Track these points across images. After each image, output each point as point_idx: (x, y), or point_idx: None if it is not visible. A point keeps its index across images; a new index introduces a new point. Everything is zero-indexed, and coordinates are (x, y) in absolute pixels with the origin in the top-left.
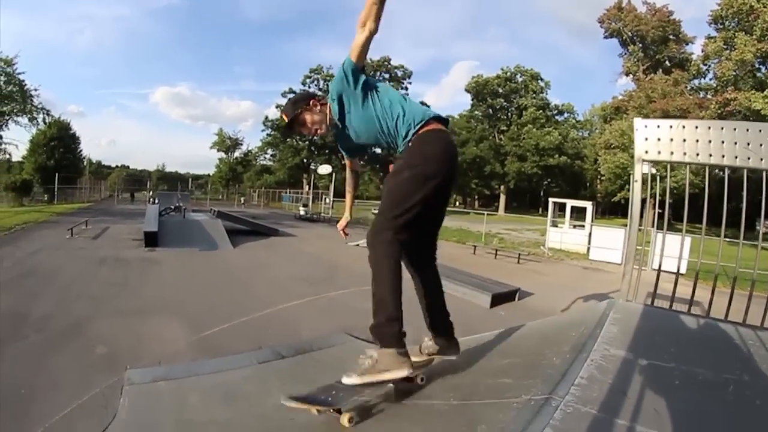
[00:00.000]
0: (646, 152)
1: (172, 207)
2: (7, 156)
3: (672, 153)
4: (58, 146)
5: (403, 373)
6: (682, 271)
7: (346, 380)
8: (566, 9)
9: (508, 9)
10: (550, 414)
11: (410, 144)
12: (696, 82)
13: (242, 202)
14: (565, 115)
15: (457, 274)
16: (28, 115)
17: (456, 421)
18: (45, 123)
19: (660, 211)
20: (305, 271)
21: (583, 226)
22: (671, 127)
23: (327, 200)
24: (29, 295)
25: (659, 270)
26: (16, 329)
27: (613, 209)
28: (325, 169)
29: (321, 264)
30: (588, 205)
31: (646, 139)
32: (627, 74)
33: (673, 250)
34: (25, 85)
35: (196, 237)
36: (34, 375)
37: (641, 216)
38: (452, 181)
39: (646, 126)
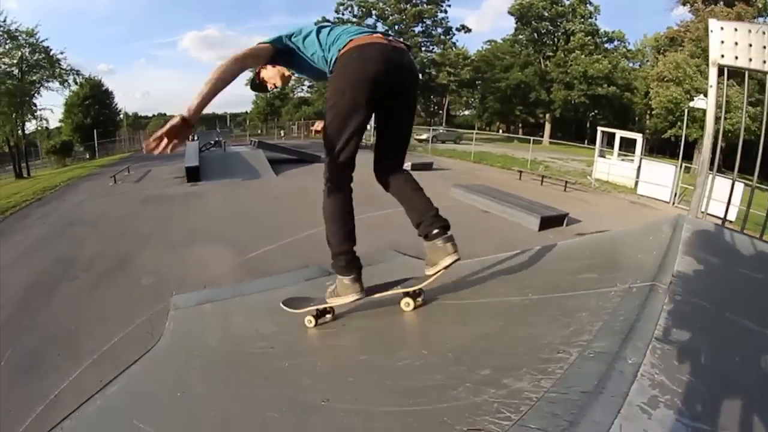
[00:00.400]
0: (722, 56)
1: (212, 142)
2: (45, 125)
3: (750, 60)
4: (93, 104)
5: (350, 299)
6: (731, 218)
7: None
8: None
9: None
10: (661, 300)
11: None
12: (761, 19)
13: (282, 135)
14: (616, 43)
15: (504, 196)
16: (59, 79)
17: (546, 312)
18: (76, 83)
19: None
20: None
21: (632, 158)
22: (750, 31)
23: (368, 127)
24: (77, 241)
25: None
26: (65, 272)
27: (661, 148)
28: None
29: (366, 186)
30: (638, 137)
31: (722, 42)
32: (684, 3)
33: (721, 194)
34: (51, 50)
35: (238, 168)
36: (84, 311)
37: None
38: (392, 91)
39: (722, 28)
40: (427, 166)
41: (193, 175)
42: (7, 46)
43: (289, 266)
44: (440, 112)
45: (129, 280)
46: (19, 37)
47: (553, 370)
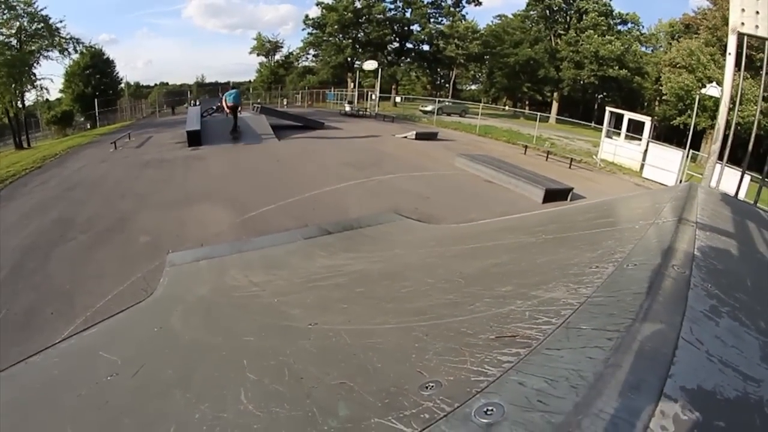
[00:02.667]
0: (743, 24)
1: (214, 107)
2: (45, 95)
3: None
4: (94, 73)
5: None
6: None
7: None
8: None
9: None
10: (692, 229)
11: None
12: None
13: (285, 104)
14: (629, 25)
15: (508, 167)
16: (58, 48)
17: (565, 244)
18: (77, 51)
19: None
20: (352, 157)
21: (639, 142)
22: None
23: (373, 96)
24: (76, 203)
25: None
26: (63, 234)
27: (669, 135)
28: (370, 64)
29: (368, 152)
30: (647, 120)
31: (743, 10)
32: None
33: (729, 186)
34: (50, 19)
35: (240, 132)
36: (80, 270)
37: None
38: None
39: None
40: (431, 136)
41: (195, 139)
42: (4, 16)
43: (288, 226)
44: (447, 85)
45: (126, 240)
46: (17, 7)
47: (590, 281)
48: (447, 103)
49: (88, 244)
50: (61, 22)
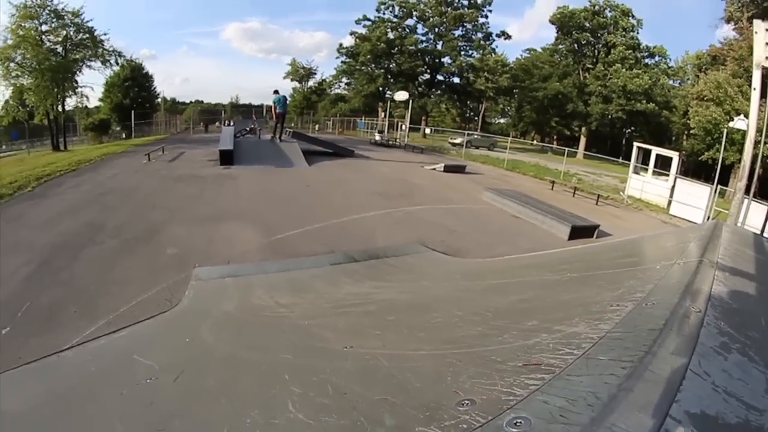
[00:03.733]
0: (767, 58)
1: (247, 129)
2: (85, 99)
3: None
4: (133, 86)
5: None
6: None
7: None
8: None
9: None
10: (711, 271)
11: None
12: None
13: (316, 129)
14: (657, 58)
15: (535, 203)
16: (101, 59)
17: (588, 283)
18: (118, 64)
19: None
20: (381, 187)
21: (666, 177)
22: None
23: (403, 126)
24: (107, 209)
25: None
26: (93, 237)
27: (697, 170)
28: (402, 95)
29: (397, 183)
30: (675, 155)
31: (767, 43)
32: (729, 21)
33: (757, 221)
34: (95, 31)
35: (272, 155)
36: (106, 274)
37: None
38: None
39: (767, 29)
40: (459, 169)
41: (227, 158)
42: (53, 25)
43: (315, 251)
44: (476, 118)
45: (154, 250)
46: (65, 17)
47: (610, 318)
48: (476, 136)
49: (116, 250)
50: (105, 34)
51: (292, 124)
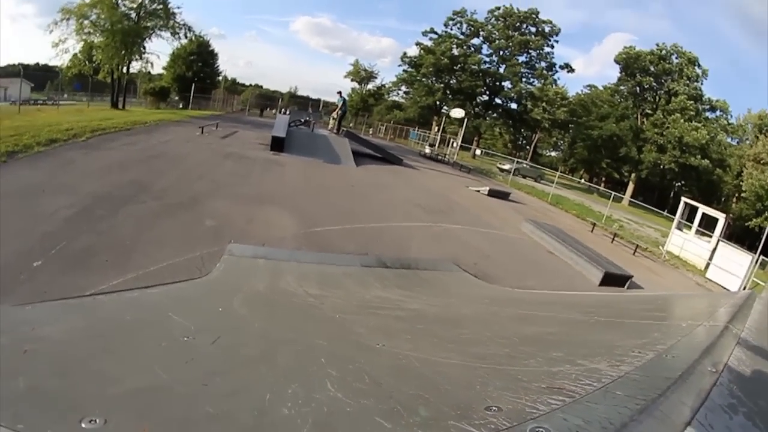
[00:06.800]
0: None
1: (302, 120)
2: (150, 66)
3: None
4: (197, 60)
5: None
6: None
7: None
8: None
9: None
10: (734, 337)
11: None
12: None
13: (370, 133)
14: (717, 113)
15: (572, 242)
16: (171, 30)
17: (614, 328)
18: (186, 37)
19: None
20: (423, 200)
21: (709, 239)
22: None
23: (454, 144)
24: (154, 172)
25: None
26: (136, 195)
27: (742, 236)
28: (458, 112)
29: (440, 198)
30: (721, 216)
31: None
32: None
33: None
34: (169, 3)
35: (322, 149)
36: (143, 232)
37: None
38: None
39: None
40: (504, 195)
41: (278, 145)
42: None
43: (349, 250)
44: (527, 147)
45: (193, 219)
46: None
47: (631, 361)
48: (524, 165)
49: (156, 212)
50: (178, 8)
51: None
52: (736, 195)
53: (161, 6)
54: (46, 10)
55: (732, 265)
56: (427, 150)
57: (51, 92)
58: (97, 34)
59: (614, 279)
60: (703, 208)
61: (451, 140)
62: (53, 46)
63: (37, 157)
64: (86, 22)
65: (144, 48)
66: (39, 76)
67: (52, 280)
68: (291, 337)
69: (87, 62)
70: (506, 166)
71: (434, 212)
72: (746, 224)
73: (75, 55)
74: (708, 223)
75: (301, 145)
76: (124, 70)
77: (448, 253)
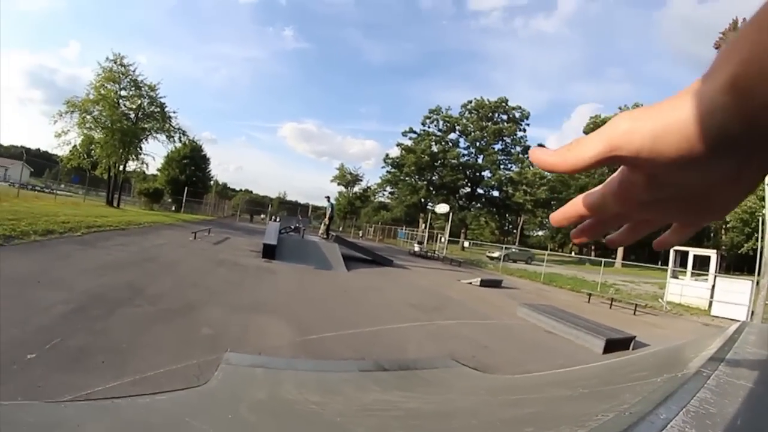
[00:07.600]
0: None
1: (292, 227)
2: (145, 166)
3: None
4: (190, 164)
5: None
6: None
7: None
8: (683, 43)
9: (624, 47)
10: (702, 380)
11: None
12: None
13: (359, 235)
14: None
15: (570, 317)
16: (166, 133)
17: (594, 398)
18: (180, 141)
19: None
20: (416, 299)
21: (706, 277)
22: None
23: (442, 239)
24: (149, 275)
25: None
26: (131, 298)
27: (738, 264)
28: (442, 208)
29: (432, 295)
30: (712, 253)
31: None
32: None
33: None
34: (166, 107)
35: (313, 256)
36: (139, 336)
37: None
38: None
39: None
40: (496, 284)
41: (270, 252)
42: (130, 92)
43: (346, 355)
44: (514, 231)
45: (189, 326)
46: (142, 89)
47: (590, 425)
48: (513, 250)
49: (152, 316)
50: (174, 112)
51: (339, 228)
52: (723, 227)
53: (158, 109)
54: (53, 98)
55: (734, 296)
56: (416, 248)
57: (49, 180)
58: (98, 130)
59: (617, 344)
60: (693, 251)
61: (439, 235)
62: (56, 136)
63: (33, 246)
64: (89, 117)
65: (141, 148)
66: (39, 163)
67: (46, 376)
68: None
69: (86, 156)
70: (495, 254)
71: (428, 310)
72: (739, 252)
73: (75, 147)
74: (702, 263)
75: (293, 252)
76: (121, 168)
77: (445, 349)
